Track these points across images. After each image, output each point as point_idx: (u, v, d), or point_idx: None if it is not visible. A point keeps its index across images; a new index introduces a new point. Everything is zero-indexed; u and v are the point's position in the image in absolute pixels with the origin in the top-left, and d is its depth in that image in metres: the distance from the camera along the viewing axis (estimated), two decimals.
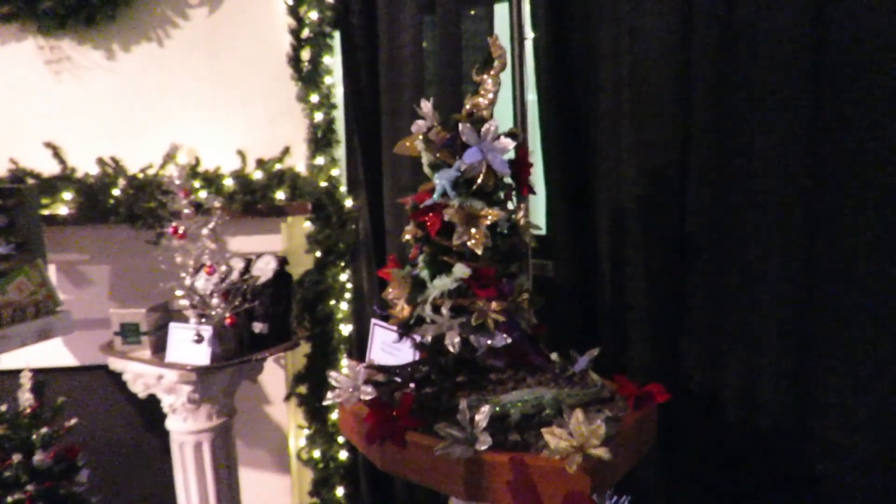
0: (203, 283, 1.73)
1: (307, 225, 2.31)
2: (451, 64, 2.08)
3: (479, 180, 1.29)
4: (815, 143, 1.38)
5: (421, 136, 1.35)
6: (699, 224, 1.60)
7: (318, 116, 2.29)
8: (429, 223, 1.32)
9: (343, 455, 2.43)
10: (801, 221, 1.41)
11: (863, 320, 1.34)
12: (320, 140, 2.32)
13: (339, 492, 2.44)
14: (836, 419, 1.41)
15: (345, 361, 1.36)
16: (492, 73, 1.32)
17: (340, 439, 2.44)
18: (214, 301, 1.61)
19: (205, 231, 1.69)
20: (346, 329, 2.40)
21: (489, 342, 1.31)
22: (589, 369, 1.34)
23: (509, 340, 1.31)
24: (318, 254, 2.28)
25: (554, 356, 1.39)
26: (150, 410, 2.13)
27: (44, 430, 1.47)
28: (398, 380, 1.33)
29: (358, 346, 2.45)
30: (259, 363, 1.76)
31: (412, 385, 1.30)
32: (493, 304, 1.31)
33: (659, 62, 1.63)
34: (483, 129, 1.27)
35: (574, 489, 1.04)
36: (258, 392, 2.43)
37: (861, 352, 1.35)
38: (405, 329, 1.35)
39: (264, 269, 1.79)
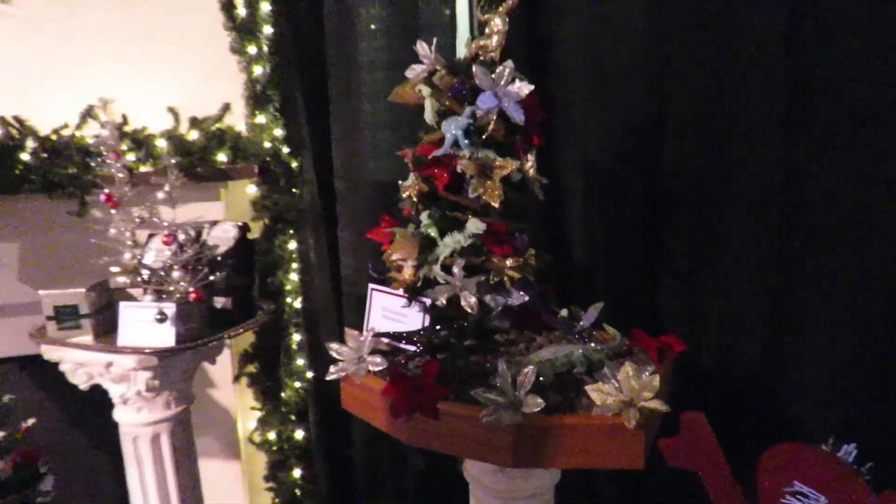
0: (154, 255, 1.52)
1: (250, 190, 2.12)
2: (408, 12, 1.94)
3: (490, 128, 1.20)
4: (795, 93, 1.38)
5: (423, 82, 1.23)
6: (675, 177, 1.59)
7: (258, 70, 2.08)
8: (436, 177, 1.21)
9: (300, 434, 2.29)
10: (782, 172, 1.41)
11: (839, 267, 1.36)
12: (259, 97, 2.11)
13: (297, 473, 2.30)
14: (812, 363, 1.45)
15: (347, 331, 1.25)
16: (500, 11, 1.22)
17: (294, 417, 2.30)
18: (175, 274, 1.42)
19: (160, 195, 1.48)
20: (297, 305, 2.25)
21: (507, 301, 1.23)
22: (604, 324, 1.30)
23: (527, 298, 1.24)
24: (267, 221, 2.10)
25: (564, 313, 1.34)
26: (84, 404, 1.88)
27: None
28: (412, 347, 1.23)
29: (307, 320, 2.30)
30: (221, 343, 1.59)
31: (428, 352, 1.21)
32: (509, 262, 1.24)
33: (632, 10, 1.57)
34: (496, 73, 1.17)
35: (628, 445, 1.00)
36: (202, 374, 2.22)
37: (837, 299, 1.36)
38: (413, 292, 1.24)
39: (223, 238, 1.60)
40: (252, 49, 2.07)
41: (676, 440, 0.94)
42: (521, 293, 1.24)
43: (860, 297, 1.32)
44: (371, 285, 1.32)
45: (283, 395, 2.25)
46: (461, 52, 1.26)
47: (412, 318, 1.26)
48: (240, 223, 1.61)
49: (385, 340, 1.26)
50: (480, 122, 1.19)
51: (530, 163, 1.28)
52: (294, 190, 2.16)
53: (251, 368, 2.19)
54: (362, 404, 1.21)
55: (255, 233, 2.12)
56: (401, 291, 1.26)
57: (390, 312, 1.29)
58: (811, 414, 1.44)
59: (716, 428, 1.08)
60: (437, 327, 1.19)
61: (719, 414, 1.54)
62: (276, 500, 2.31)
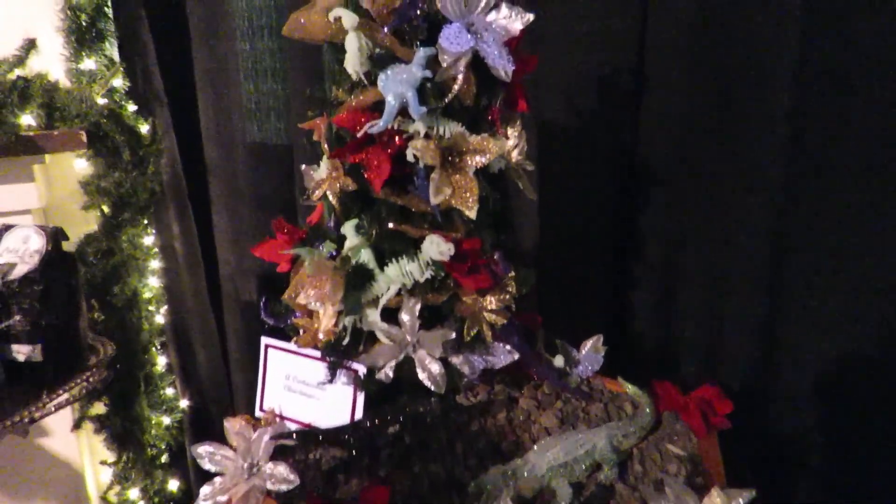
0: None
1: (80, 165, 1.52)
2: None
3: (457, 86, 0.73)
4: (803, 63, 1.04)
5: (342, 9, 0.74)
6: (656, 137, 1.22)
7: None
8: (370, 167, 0.74)
9: (174, 485, 1.78)
10: (783, 127, 1.08)
11: (839, 220, 1.08)
12: (86, 32, 1.51)
13: None
14: (807, 323, 1.17)
15: (229, 423, 0.76)
16: None
17: (164, 461, 1.79)
18: None
19: None
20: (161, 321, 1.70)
21: (486, 364, 0.80)
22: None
23: (517, 356, 0.81)
24: (106, 209, 1.52)
25: (559, 361, 0.93)
26: None
27: None
28: (338, 450, 0.77)
29: (175, 336, 1.77)
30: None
31: (369, 458, 0.76)
32: (490, 300, 0.80)
33: None
34: None
35: None
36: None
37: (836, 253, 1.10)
38: (335, 355, 0.78)
39: (21, 252, 1.05)
40: None
41: None
42: (508, 348, 0.81)
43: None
44: (265, 339, 0.84)
45: (147, 436, 1.72)
46: None
47: (334, 395, 0.80)
48: (48, 227, 1.06)
49: (291, 435, 0.80)
50: (443, 75, 0.72)
51: (513, 140, 0.83)
52: (147, 166, 1.59)
53: (97, 409, 1.63)
54: None
55: (90, 224, 1.55)
56: (313, 352, 0.79)
57: (298, 383, 0.83)
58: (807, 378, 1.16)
59: None
60: (384, 418, 0.74)
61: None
62: None
